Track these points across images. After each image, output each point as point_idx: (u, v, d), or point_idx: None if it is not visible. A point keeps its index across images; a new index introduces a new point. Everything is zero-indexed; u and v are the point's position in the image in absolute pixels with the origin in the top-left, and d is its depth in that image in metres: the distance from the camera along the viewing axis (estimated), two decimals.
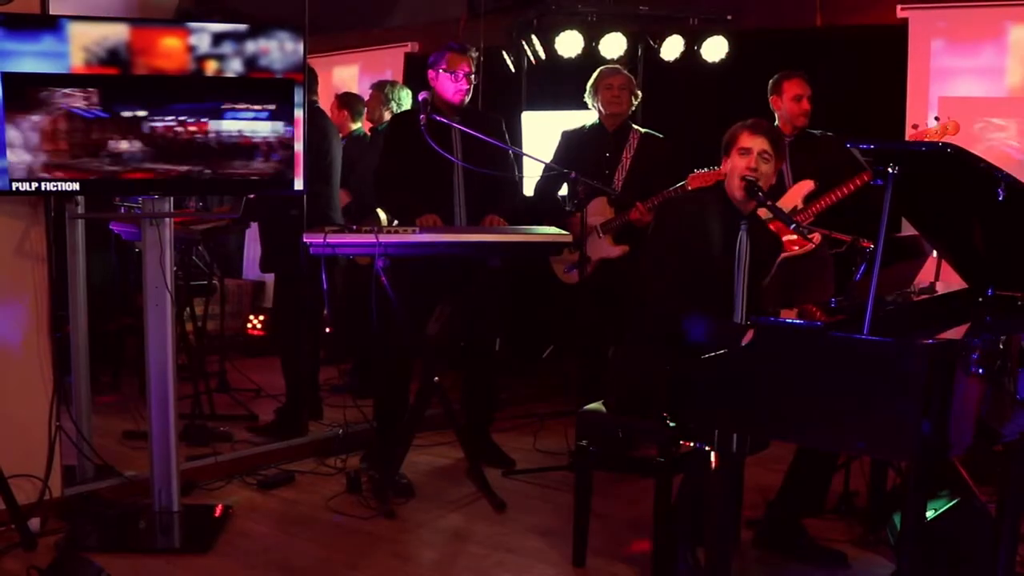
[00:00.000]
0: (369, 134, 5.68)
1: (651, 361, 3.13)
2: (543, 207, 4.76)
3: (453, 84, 4.17)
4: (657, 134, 4.71)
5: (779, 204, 4.34)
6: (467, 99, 4.24)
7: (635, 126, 4.73)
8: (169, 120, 3.46)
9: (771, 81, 4.55)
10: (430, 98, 4.15)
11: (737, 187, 3.19)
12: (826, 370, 2.49)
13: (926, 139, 4.00)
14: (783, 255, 4.47)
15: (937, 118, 3.97)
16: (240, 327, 6.88)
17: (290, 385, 4.77)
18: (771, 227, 3.44)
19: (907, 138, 4.04)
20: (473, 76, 4.23)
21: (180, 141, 3.49)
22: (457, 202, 4.24)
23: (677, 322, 3.08)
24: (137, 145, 3.45)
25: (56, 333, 3.70)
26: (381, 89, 5.56)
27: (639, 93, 4.78)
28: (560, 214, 4.63)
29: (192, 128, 3.49)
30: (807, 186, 4.40)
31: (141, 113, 3.44)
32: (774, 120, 4.60)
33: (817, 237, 3.62)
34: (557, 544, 3.51)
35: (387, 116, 5.45)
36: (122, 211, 5.07)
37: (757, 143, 3.19)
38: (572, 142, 4.75)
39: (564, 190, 4.77)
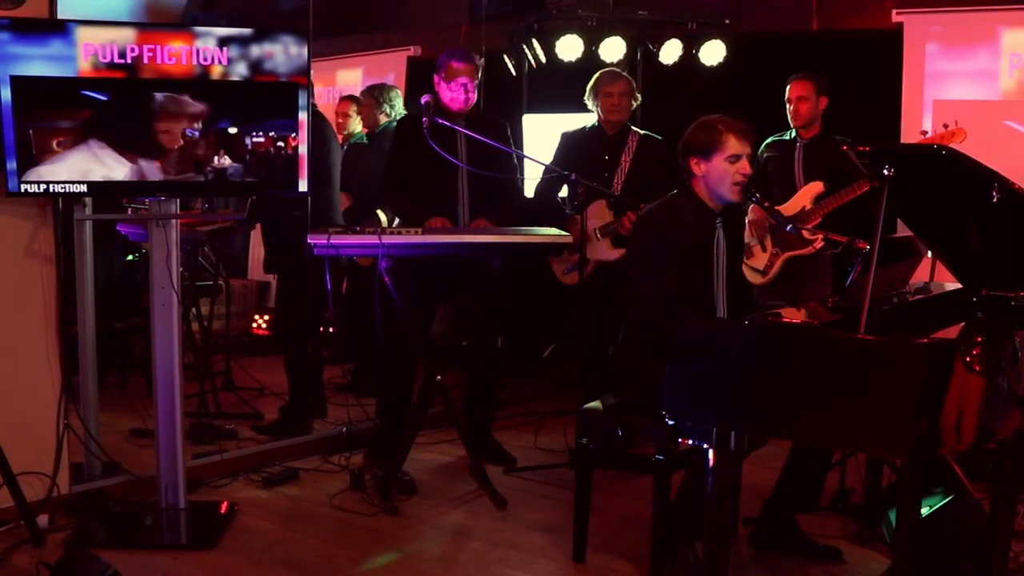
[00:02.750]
0: (366, 139, 5.72)
1: (649, 361, 3.18)
2: (543, 209, 4.80)
3: (449, 93, 4.23)
4: (656, 136, 4.74)
5: (790, 205, 4.44)
6: (467, 107, 4.27)
7: (634, 128, 4.76)
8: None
9: None
10: (432, 101, 4.20)
11: (731, 192, 3.21)
12: (822, 369, 2.52)
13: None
14: (789, 254, 4.55)
15: (946, 125, 4.04)
16: (245, 327, 6.94)
17: (293, 384, 4.81)
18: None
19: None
20: (472, 85, 4.25)
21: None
22: (461, 204, 4.27)
23: (672, 335, 3.11)
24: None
25: (64, 332, 3.74)
26: (372, 94, 5.60)
27: (638, 96, 4.82)
28: (560, 216, 4.68)
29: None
30: (816, 188, 4.49)
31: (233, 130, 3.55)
32: (769, 122, 4.71)
33: (819, 238, 3.67)
34: (558, 540, 3.54)
35: (382, 119, 5.51)
36: (129, 212, 5.12)
37: (746, 149, 3.19)
38: (571, 144, 4.78)
39: (564, 192, 4.82)
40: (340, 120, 5.92)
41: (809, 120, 4.64)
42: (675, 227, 3.24)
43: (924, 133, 4.19)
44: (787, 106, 4.68)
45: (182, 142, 3.51)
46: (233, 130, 3.57)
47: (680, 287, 3.18)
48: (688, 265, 3.22)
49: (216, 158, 3.56)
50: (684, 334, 2.98)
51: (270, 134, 3.60)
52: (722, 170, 3.18)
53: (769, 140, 4.83)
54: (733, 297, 3.35)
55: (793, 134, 4.72)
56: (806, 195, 4.51)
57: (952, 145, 3.96)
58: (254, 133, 3.59)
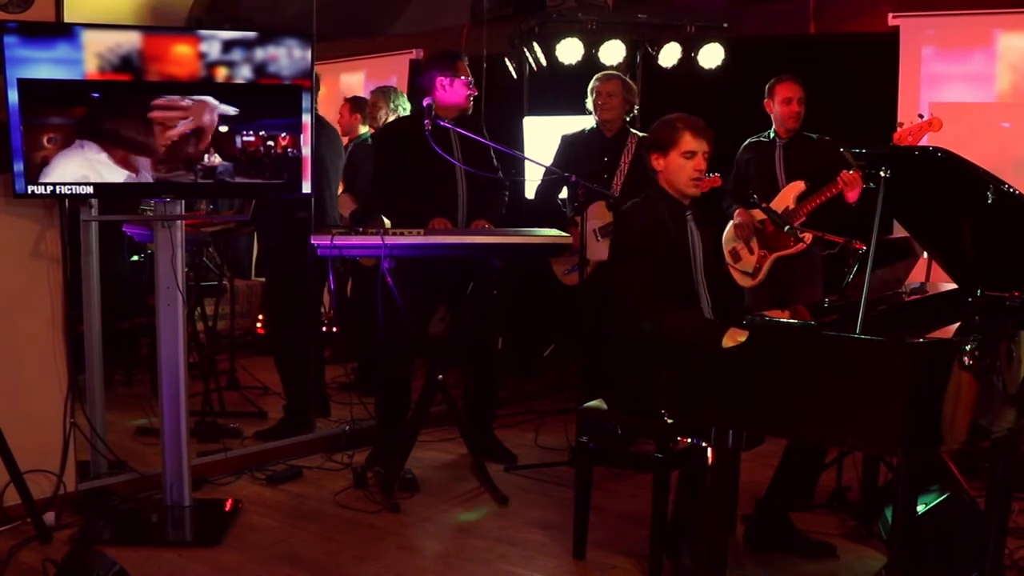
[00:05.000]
0: (370, 139, 5.74)
1: (648, 360, 3.22)
2: (543, 210, 4.84)
3: (466, 89, 4.27)
4: None
5: (773, 204, 4.48)
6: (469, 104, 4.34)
7: (633, 130, 4.80)
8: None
9: (767, 86, 4.69)
10: (433, 103, 4.24)
11: (687, 186, 3.31)
12: (819, 368, 2.55)
13: (910, 136, 4.11)
14: (776, 254, 4.61)
15: (921, 115, 4.08)
16: (250, 326, 6.96)
17: (287, 384, 4.84)
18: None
19: (895, 136, 4.15)
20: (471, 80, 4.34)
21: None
22: (460, 203, 4.31)
23: (654, 324, 3.17)
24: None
25: (70, 332, 3.77)
26: (384, 94, 5.61)
27: (634, 99, 4.82)
28: (560, 217, 4.72)
29: None
30: (798, 187, 4.54)
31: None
32: (770, 124, 4.74)
33: (808, 237, 3.71)
34: (558, 537, 3.58)
35: (391, 120, 5.52)
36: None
37: (702, 146, 3.29)
38: (571, 146, 4.82)
39: (564, 193, 4.86)
40: (340, 119, 5.93)
41: (803, 120, 4.66)
42: (653, 219, 3.32)
43: (900, 124, 4.22)
44: (782, 106, 4.61)
45: (199, 144, 3.55)
46: (225, 128, 3.60)
47: (661, 279, 3.24)
48: (668, 256, 3.29)
49: (219, 159, 3.60)
50: (666, 325, 3.05)
51: (275, 135, 3.63)
52: (678, 165, 3.30)
53: (747, 142, 4.83)
54: (715, 292, 3.41)
55: (772, 135, 4.73)
56: (789, 194, 4.56)
57: (929, 135, 4.01)
58: (256, 135, 3.62)
